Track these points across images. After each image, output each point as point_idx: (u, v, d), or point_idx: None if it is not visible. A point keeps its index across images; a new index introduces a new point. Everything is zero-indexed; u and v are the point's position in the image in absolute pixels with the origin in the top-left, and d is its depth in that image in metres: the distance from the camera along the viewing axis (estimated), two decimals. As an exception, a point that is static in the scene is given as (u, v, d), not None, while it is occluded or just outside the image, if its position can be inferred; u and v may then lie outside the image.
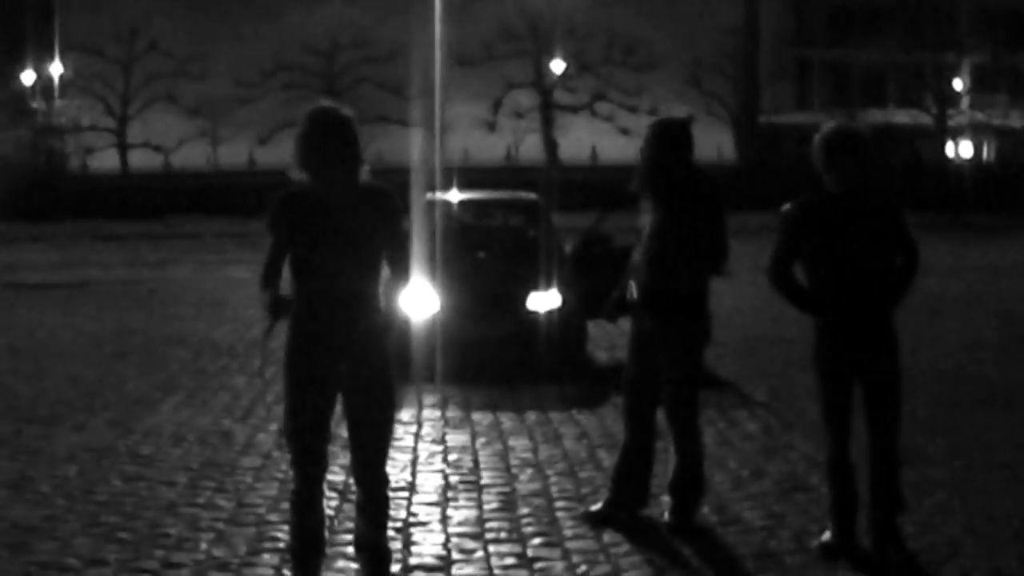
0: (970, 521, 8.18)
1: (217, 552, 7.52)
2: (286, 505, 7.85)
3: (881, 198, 7.57)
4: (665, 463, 8.25)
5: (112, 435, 10.82)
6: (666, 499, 8.14)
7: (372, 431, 6.42)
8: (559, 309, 13.90)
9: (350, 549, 7.15)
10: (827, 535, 7.60)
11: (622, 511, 8.17)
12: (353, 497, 7.04)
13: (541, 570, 7.25)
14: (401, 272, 6.42)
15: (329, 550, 7.05)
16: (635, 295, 8.12)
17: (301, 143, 6.30)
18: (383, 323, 6.37)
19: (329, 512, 7.66)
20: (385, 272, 6.47)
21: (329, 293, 6.26)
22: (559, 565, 7.33)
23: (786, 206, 7.62)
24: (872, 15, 74.27)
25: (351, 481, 7.25)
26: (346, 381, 6.33)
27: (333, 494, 8.33)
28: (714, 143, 68.77)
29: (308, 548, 6.48)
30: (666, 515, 8.08)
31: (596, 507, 8.29)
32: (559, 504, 8.62)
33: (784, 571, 7.25)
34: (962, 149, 74.35)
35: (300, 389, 6.32)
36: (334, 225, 6.23)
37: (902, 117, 72.99)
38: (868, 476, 7.49)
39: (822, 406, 7.59)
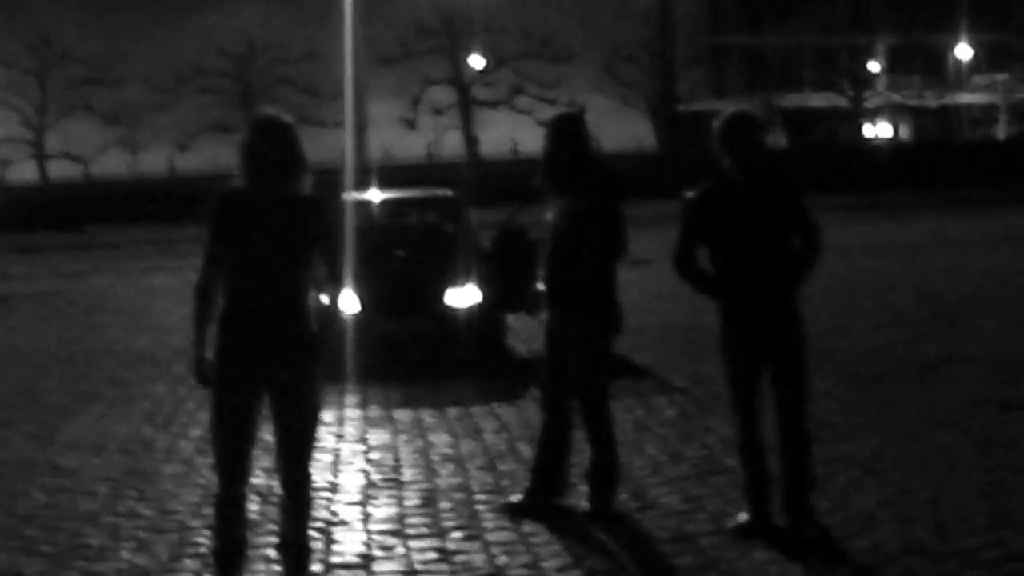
0: (883, 495, 8.34)
1: (139, 560, 7.54)
2: (208, 510, 7.93)
3: (778, 181, 7.69)
4: (583, 452, 8.36)
5: (32, 447, 10.81)
6: (583, 488, 8.26)
7: (298, 434, 6.44)
8: (477, 304, 13.98)
9: (271, 551, 7.21)
10: (742, 515, 7.74)
11: (541, 501, 8.27)
12: (275, 499, 7.07)
13: (461, 563, 7.33)
14: (335, 280, 6.42)
15: (251, 552, 7.08)
16: (545, 288, 8.24)
17: (242, 151, 6.36)
18: (312, 328, 6.37)
19: (252, 515, 7.69)
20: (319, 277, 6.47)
21: (257, 297, 6.28)
22: (479, 557, 7.42)
23: (688, 193, 7.76)
24: (786, 0, 74.91)
25: (273, 484, 7.27)
26: (273, 385, 6.35)
27: (255, 497, 8.36)
28: (633, 132, 69.16)
29: (231, 550, 6.47)
30: (584, 503, 8.19)
31: (515, 498, 8.39)
32: (479, 497, 8.71)
33: (700, 552, 7.37)
34: (879, 130, 75.20)
35: (227, 392, 6.34)
36: (266, 230, 6.26)
37: (818, 100, 73.67)
38: (779, 455, 7.64)
39: (730, 388, 7.75)
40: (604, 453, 8.20)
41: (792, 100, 73.40)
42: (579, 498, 8.31)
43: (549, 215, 8.24)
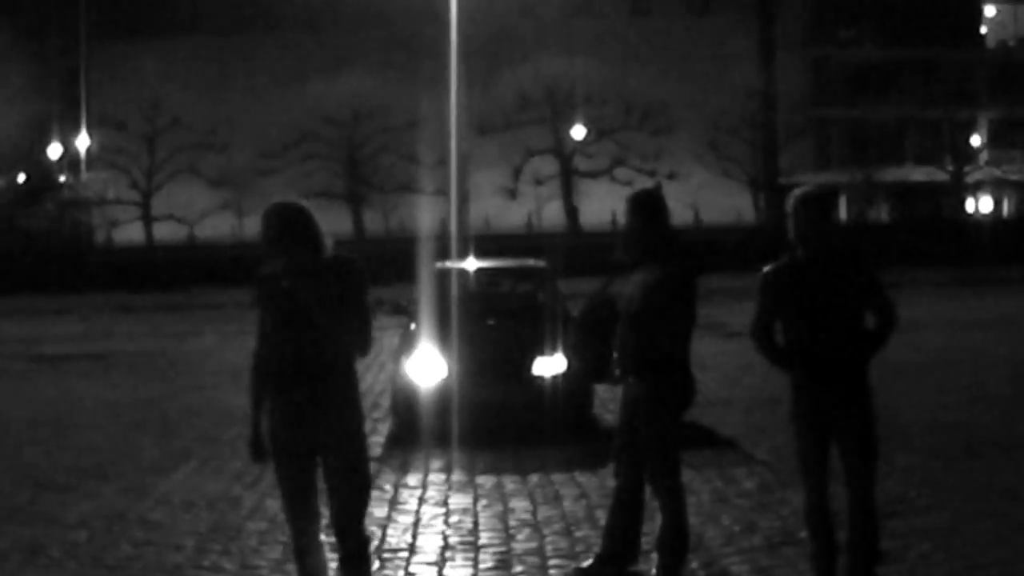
0: (952, 569, 8.43)
1: (219, 612, 7.82)
2: (289, 566, 8.22)
3: (853, 257, 7.83)
4: (656, 520, 8.52)
5: (124, 502, 11.16)
6: (654, 555, 8.41)
7: (348, 492, 6.77)
8: (564, 373, 14.16)
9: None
10: (808, 586, 7.86)
11: (612, 567, 8.44)
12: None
13: (530, 624, 7.52)
14: (364, 343, 6.75)
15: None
16: (619, 359, 8.43)
17: (263, 239, 6.78)
18: (353, 389, 6.80)
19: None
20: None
21: (297, 366, 6.68)
22: (547, 619, 7.60)
23: (765, 269, 7.93)
24: (889, 74, 74.76)
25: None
26: (321, 448, 6.73)
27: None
28: (732, 205, 69.21)
29: None
30: (653, 571, 8.34)
31: (587, 563, 8.56)
32: (553, 562, 8.90)
33: (765, 621, 7.50)
34: (981, 204, 74.62)
35: (281, 458, 6.82)
36: (299, 302, 6.64)
37: (920, 174, 73.29)
38: (847, 526, 7.75)
39: (799, 459, 7.87)
40: (673, 521, 8.35)
41: (894, 174, 73.16)
42: (650, 565, 8.47)
43: (628, 288, 8.45)
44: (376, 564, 8.67)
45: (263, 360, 6.84)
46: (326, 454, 6.74)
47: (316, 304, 6.62)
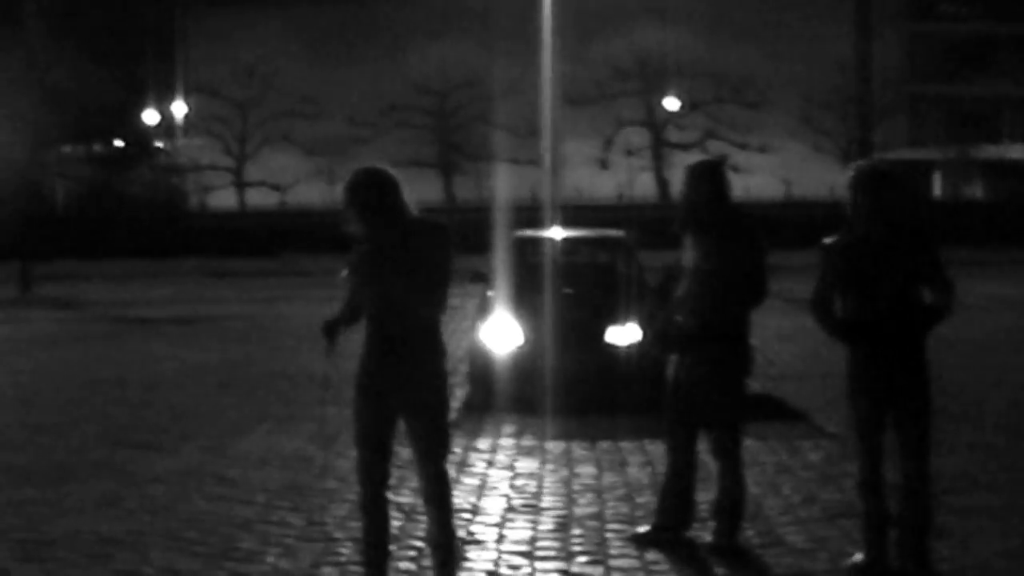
0: (1005, 546, 8.49)
1: (283, 565, 8.11)
2: (353, 524, 8.58)
3: (914, 234, 7.91)
4: (710, 487, 8.67)
5: (202, 459, 11.50)
6: (711, 522, 8.57)
7: (431, 444, 7.09)
8: (639, 342, 14.30)
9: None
10: (858, 556, 7.98)
11: (668, 533, 8.60)
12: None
13: (582, 585, 7.72)
14: (436, 300, 6.97)
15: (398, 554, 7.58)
16: (679, 330, 8.54)
17: (346, 207, 7.00)
18: (440, 350, 7.06)
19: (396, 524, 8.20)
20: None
21: (386, 330, 6.99)
22: (600, 581, 7.80)
23: (825, 241, 8.04)
24: (985, 49, 73.86)
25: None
26: (405, 402, 7.03)
27: (399, 514, 8.86)
28: (825, 179, 68.74)
29: (376, 548, 7.14)
30: (710, 537, 8.50)
31: (643, 528, 8.73)
32: (612, 527, 9.07)
33: (814, 589, 7.64)
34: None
35: (364, 415, 7.07)
36: (387, 270, 6.89)
37: (1017, 152, 72.41)
38: (900, 498, 7.87)
39: (855, 429, 7.99)
40: (732, 489, 8.50)
41: (989, 151, 72.32)
42: (707, 532, 8.62)
43: (686, 259, 8.56)
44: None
45: (343, 317, 7.19)
46: (410, 414, 7.03)
47: (402, 275, 6.86)
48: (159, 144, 74.29)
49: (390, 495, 7.25)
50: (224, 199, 70.32)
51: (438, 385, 7.06)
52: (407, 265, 6.86)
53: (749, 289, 8.49)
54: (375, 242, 6.92)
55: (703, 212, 8.47)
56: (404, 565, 7.99)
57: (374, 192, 6.94)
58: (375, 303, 6.99)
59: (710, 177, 8.53)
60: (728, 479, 8.51)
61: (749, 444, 11.49)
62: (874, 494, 7.91)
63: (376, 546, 7.13)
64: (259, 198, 70.23)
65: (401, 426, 7.09)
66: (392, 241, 6.89)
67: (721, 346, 8.44)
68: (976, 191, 73.23)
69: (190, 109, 74.12)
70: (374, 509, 7.12)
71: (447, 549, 7.15)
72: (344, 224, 6.99)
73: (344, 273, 7.07)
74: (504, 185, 53.50)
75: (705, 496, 8.84)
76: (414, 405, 7.01)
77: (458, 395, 14.70)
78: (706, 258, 8.44)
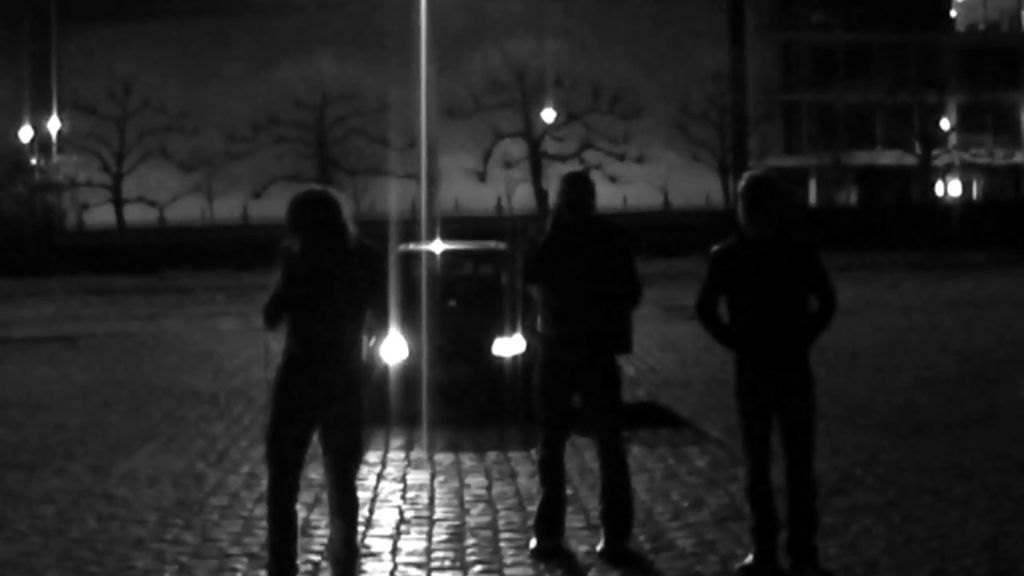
0: (890, 543, 8.71)
1: (179, 583, 8.10)
2: (248, 539, 8.71)
3: (797, 242, 8.11)
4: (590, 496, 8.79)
5: (90, 479, 11.40)
6: (602, 528, 8.69)
7: (345, 458, 7.29)
8: (523, 353, 14.41)
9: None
10: (749, 558, 8.15)
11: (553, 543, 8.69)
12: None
13: (479, 594, 7.80)
14: (383, 324, 7.26)
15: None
16: (558, 333, 8.60)
17: (288, 224, 7.15)
18: (362, 369, 7.22)
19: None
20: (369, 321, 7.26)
21: (314, 342, 7.12)
22: (496, 589, 7.89)
23: (713, 248, 8.22)
24: (858, 57, 75.23)
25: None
26: (324, 415, 7.17)
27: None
28: (701, 188, 69.56)
29: (283, 563, 7.24)
30: (601, 543, 8.62)
31: (533, 544, 8.78)
32: (505, 535, 9.17)
33: (705, 591, 7.79)
34: (951, 188, 75.15)
35: (281, 423, 7.19)
36: (320, 284, 7.08)
37: (889, 158, 73.82)
38: (786, 500, 8.05)
39: (742, 435, 8.17)
40: (622, 494, 8.63)
41: (862, 158, 73.64)
42: (598, 538, 8.75)
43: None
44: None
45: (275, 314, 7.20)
46: (328, 426, 7.19)
47: (342, 289, 7.06)
48: (33, 161, 73.27)
49: (297, 508, 7.41)
50: (102, 216, 69.55)
51: (359, 397, 7.23)
52: (345, 290, 7.07)
53: (625, 293, 8.63)
54: (314, 263, 7.07)
55: (570, 219, 8.57)
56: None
57: (320, 214, 7.10)
58: (305, 319, 7.12)
59: (578, 187, 8.66)
60: (621, 484, 8.63)
61: (636, 451, 11.73)
62: (762, 498, 8.09)
63: (283, 558, 7.23)
64: (138, 215, 69.57)
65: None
66: (331, 264, 7.07)
67: (611, 348, 8.58)
68: (850, 196, 74.50)
69: (64, 125, 73.19)
70: (283, 525, 7.24)
71: (348, 565, 7.24)
72: (283, 241, 7.15)
73: (276, 277, 7.16)
74: (384, 199, 53.52)
75: (593, 503, 8.96)
76: (335, 416, 7.17)
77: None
78: (576, 262, 8.52)
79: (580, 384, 8.62)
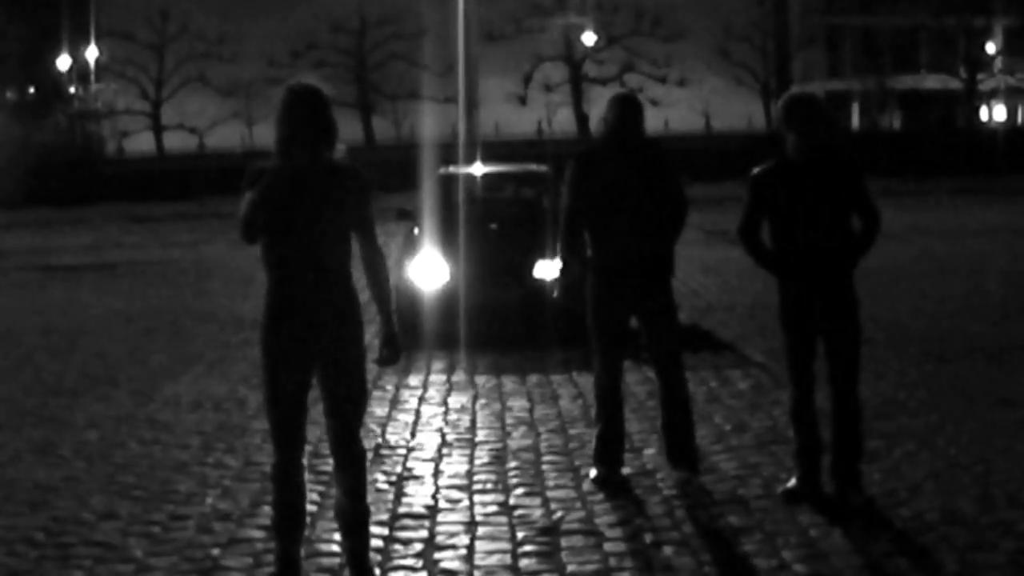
0: (934, 468, 8.65)
1: (222, 506, 8.12)
2: None
3: (841, 162, 8.01)
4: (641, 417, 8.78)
5: (133, 404, 11.45)
6: (650, 451, 8.69)
7: (346, 404, 6.53)
8: (560, 278, 14.34)
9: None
10: (792, 481, 8.11)
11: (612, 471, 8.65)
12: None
13: (520, 517, 7.79)
14: (372, 250, 6.54)
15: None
16: (613, 261, 8.52)
17: (276, 121, 6.42)
18: (354, 298, 6.50)
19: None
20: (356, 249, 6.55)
21: (295, 269, 6.39)
22: (538, 512, 7.87)
23: (754, 171, 8.12)
24: (903, -21, 74.34)
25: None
26: (319, 355, 6.44)
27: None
28: (744, 112, 69.08)
29: (289, 521, 6.62)
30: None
31: (593, 473, 8.69)
32: (547, 458, 9.16)
33: (748, 514, 7.75)
34: (996, 113, 74.40)
35: (275, 363, 6.48)
36: (300, 203, 6.34)
37: (933, 82, 73.09)
38: (831, 424, 8.00)
39: (787, 359, 8.11)
40: (688, 409, 8.72)
41: (906, 82, 72.95)
42: (641, 463, 8.73)
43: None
44: (374, 459, 8.96)
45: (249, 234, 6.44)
46: (325, 362, 6.46)
47: (312, 213, 6.34)
48: (72, 90, 73.38)
49: (305, 460, 6.71)
50: (141, 143, 69.68)
51: (356, 333, 6.52)
52: (327, 203, 6.37)
53: (670, 215, 8.56)
54: (295, 170, 6.31)
55: (622, 140, 8.48)
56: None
57: (305, 107, 6.32)
58: (282, 236, 6.36)
59: (628, 107, 8.54)
60: (687, 399, 8.72)
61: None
62: (806, 421, 8.04)
63: (289, 517, 6.58)
64: (177, 142, 69.66)
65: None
66: (312, 173, 6.34)
67: (667, 272, 8.55)
68: (893, 121, 73.88)
69: (103, 53, 73.18)
70: (288, 478, 6.57)
71: (356, 523, 6.63)
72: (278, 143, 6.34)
73: (246, 193, 6.34)
74: (424, 123, 53.35)
75: (635, 427, 8.93)
76: (332, 356, 6.43)
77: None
78: (628, 186, 8.41)
79: (637, 310, 8.57)
